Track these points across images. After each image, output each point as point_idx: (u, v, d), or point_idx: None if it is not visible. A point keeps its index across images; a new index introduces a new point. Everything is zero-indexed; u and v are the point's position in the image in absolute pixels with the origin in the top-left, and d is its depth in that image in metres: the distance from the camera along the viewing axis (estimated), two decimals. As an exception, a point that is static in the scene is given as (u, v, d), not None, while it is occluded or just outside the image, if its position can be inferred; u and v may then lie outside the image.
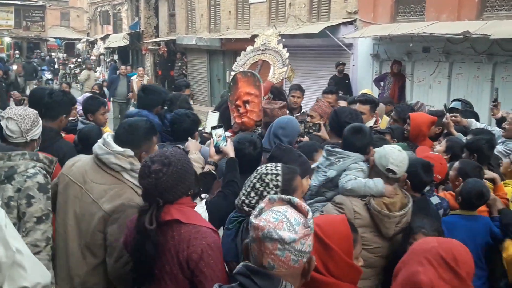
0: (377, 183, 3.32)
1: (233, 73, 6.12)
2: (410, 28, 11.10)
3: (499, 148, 4.89)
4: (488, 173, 4.12)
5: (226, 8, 20.59)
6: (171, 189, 2.52)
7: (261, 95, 5.41)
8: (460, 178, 3.93)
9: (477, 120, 5.58)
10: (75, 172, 3.08)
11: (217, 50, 21.13)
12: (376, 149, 3.48)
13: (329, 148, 3.68)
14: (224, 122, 4.86)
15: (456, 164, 4.07)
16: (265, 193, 2.73)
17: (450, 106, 6.40)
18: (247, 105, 5.32)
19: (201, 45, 21.91)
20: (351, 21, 13.89)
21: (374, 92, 12.75)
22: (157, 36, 27.56)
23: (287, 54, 6.33)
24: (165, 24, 26.85)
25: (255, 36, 7.07)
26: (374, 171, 3.41)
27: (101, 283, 3.03)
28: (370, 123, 5.33)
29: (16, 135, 3.35)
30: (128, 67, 17.66)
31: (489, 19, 10.19)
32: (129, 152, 3.04)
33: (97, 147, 3.06)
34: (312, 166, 3.65)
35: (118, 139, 3.07)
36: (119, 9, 34.41)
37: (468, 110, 6.00)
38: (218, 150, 3.67)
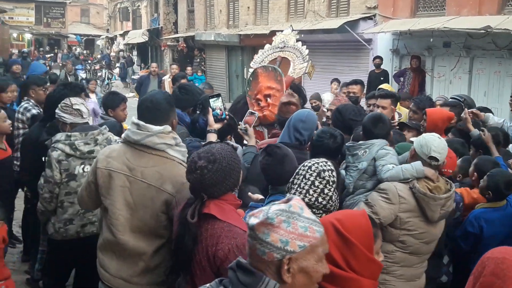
0: (415, 165, 3.34)
1: (251, 70, 6.14)
2: (431, 23, 11.01)
3: None
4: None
5: (245, 3, 20.61)
6: (215, 185, 2.55)
7: (283, 89, 5.42)
8: (475, 174, 3.95)
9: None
10: (115, 163, 3.04)
11: (236, 46, 21.17)
12: (414, 139, 3.53)
13: (351, 144, 3.73)
14: (243, 117, 4.88)
15: (474, 160, 4.09)
16: (326, 191, 2.72)
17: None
18: (268, 99, 5.33)
19: (220, 41, 21.96)
20: (371, 16, 13.82)
21: (394, 87, 12.72)
22: (176, 32, 27.66)
23: (307, 51, 6.33)
24: (184, 20, 26.95)
25: (273, 32, 7.09)
26: (415, 159, 3.41)
27: (164, 262, 3.00)
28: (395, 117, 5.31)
29: (86, 115, 4.19)
30: (154, 64, 15.47)
31: (510, 14, 10.06)
32: (168, 128, 3.04)
33: (132, 133, 3.02)
34: (340, 169, 3.67)
35: (147, 119, 3.04)
36: (138, 6, 34.59)
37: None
38: (217, 119, 3.91)
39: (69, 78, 15.67)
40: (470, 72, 11.36)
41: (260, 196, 3.41)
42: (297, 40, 6.53)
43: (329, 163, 2.81)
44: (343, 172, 3.76)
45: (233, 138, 4.51)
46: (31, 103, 5.99)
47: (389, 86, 7.64)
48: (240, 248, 2.47)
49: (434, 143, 3.35)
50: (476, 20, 10.29)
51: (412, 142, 3.73)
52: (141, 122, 3.02)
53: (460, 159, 4.28)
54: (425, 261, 3.47)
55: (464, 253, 3.92)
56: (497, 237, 3.74)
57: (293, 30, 7.06)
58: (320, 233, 1.82)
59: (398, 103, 5.80)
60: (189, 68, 16.50)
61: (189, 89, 5.20)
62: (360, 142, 3.66)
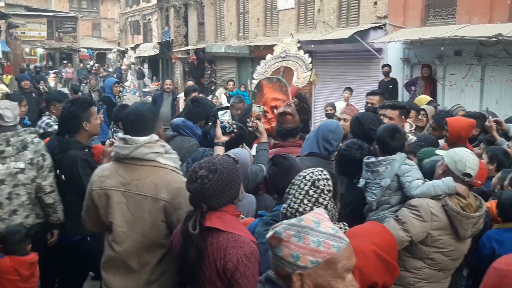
0: (447, 181, 3.28)
1: (254, 82, 6.14)
2: (441, 32, 10.98)
3: None
4: None
5: (255, 15, 20.70)
6: (216, 195, 2.55)
7: (288, 99, 5.43)
8: (498, 186, 3.85)
9: None
10: (109, 181, 3.06)
11: (246, 58, 21.24)
12: (446, 154, 3.42)
13: (370, 161, 3.62)
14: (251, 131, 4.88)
15: (499, 173, 4.00)
16: (320, 200, 2.69)
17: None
18: (275, 110, 5.33)
19: (230, 53, 22.05)
20: (381, 25, 13.81)
21: (405, 97, 12.68)
22: (187, 45, 27.82)
23: (309, 59, 6.33)
24: (195, 33, 27.10)
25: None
26: (446, 176, 3.34)
27: (168, 271, 3.01)
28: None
29: (11, 120, 4.36)
30: (169, 81, 13.08)
31: (522, 21, 10.03)
32: (155, 136, 3.07)
33: (120, 149, 3.04)
34: (360, 184, 3.67)
35: (133, 132, 3.07)
36: (149, 19, 34.86)
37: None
38: (225, 132, 3.92)
39: (93, 95, 15.08)
40: (482, 80, 11.29)
41: (250, 220, 3.36)
42: (299, 49, 6.52)
43: (325, 172, 2.77)
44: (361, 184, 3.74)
45: (245, 145, 4.51)
46: (52, 119, 6.10)
47: (426, 97, 7.45)
48: (248, 257, 2.48)
49: (469, 159, 3.29)
50: (487, 28, 10.25)
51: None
52: (127, 136, 3.06)
53: (501, 172, 4.14)
54: (450, 276, 3.44)
55: (481, 274, 3.81)
56: None
57: (293, 37, 7.06)
58: (338, 248, 1.74)
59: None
60: (230, 83, 16.27)
61: (201, 102, 5.23)
62: (380, 158, 3.58)
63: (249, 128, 4.60)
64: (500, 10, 10.56)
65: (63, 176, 4.29)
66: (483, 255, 3.68)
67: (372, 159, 3.61)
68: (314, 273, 1.72)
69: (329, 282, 1.73)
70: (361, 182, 3.68)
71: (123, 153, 3.04)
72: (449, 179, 3.28)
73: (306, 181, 2.72)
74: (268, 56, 6.66)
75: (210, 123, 4.99)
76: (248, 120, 4.67)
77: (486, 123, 5.10)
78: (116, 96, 10.56)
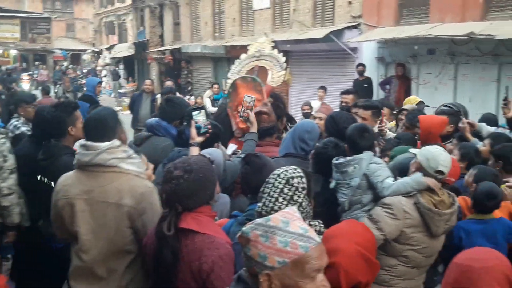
0: (415, 178, 3.30)
1: (229, 81, 6.13)
2: (415, 31, 11.12)
3: None
4: None
5: (231, 15, 20.69)
6: (191, 196, 2.52)
7: (263, 99, 5.41)
8: (474, 184, 3.91)
9: None
10: (72, 190, 3.01)
11: (222, 57, 21.20)
12: (419, 152, 3.43)
13: (339, 162, 3.62)
14: (226, 130, 4.87)
15: (472, 170, 4.04)
16: (295, 197, 2.68)
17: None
18: (257, 106, 5.32)
19: (206, 53, 21.99)
20: (356, 25, 13.91)
21: (380, 95, 12.80)
22: (162, 45, 27.67)
23: (284, 58, 6.35)
24: (170, 33, 26.98)
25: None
26: (419, 172, 3.35)
27: (137, 277, 2.98)
28: (374, 129, 5.29)
29: None
30: (148, 81, 12.32)
31: (493, 20, 10.19)
32: (117, 142, 3.02)
33: (81, 155, 2.99)
34: (331, 185, 3.66)
35: (94, 138, 3.02)
36: (124, 19, 34.59)
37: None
38: (200, 132, 3.91)
39: (68, 96, 14.80)
40: (455, 78, 11.45)
41: (224, 221, 3.35)
42: (273, 48, 6.53)
43: (298, 169, 2.77)
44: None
45: (220, 144, 4.50)
46: (20, 121, 5.96)
47: (416, 98, 7.47)
48: (223, 259, 2.46)
49: (441, 157, 3.31)
50: (459, 26, 10.40)
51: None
52: (88, 142, 3.01)
53: (472, 168, 4.16)
54: (424, 272, 3.45)
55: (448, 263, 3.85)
56: None
57: (267, 36, 7.06)
58: (306, 248, 1.72)
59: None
60: (216, 86, 15.89)
61: (175, 102, 5.18)
62: (348, 158, 3.58)
63: (240, 118, 4.62)
64: (472, 9, 10.72)
65: (52, 182, 4.18)
66: (452, 244, 3.73)
67: (341, 160, 3.60)
68: (282, 273, 1.71)
69: (297, 283, 1.72)
70: (332, 183, 3.68)
71: (84, 160, 2.98)
72: (417, 175, 3.31)
73: (280, 179, 2.71)
74: (243, 56, 6.64)
75: (185, 123, 4.97)
76: (239, 110, 4.69)
77: (460, 124, 5.15)
78: (98, 96, 10.34)
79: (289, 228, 1.74)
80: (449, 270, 2.09)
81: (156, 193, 2.98)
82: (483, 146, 4.71)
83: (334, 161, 3.65)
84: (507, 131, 5.24)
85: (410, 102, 6.97)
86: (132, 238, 2.94)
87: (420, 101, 7.19)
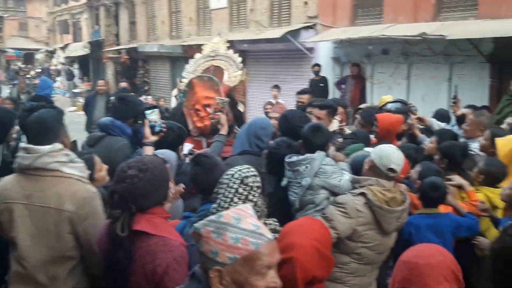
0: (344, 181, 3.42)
1: (184, 80, 6.09)
2: (369, 31, 11.30)
3: None
4: (456, 180, 4.15)
5: (187, 14, 20.56)
6: (146, 195, 2.48)
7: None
8: (419, 181, 3.99)
9: None
10: (10, 194, 2.91)
11: (180, 57, 21.03)
12: (373, 150, 3.48)
13: (291, 160, 3.63)
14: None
15: (417, 167, 4.12)
16: (250, 197, 2.70)
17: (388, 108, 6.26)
18: (208, 108, 5.31)
19: (163, 52, 21.79)
20: (312, 25, 14.03)
21: (336, 95, 12.95)
22: (118, 44, 27.27)
23: (240, 59, 6.36)
24: (126, 32, 26.61)
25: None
26: (372, 171, 3.40)
27: (79, 284, 2.91)
28: (330, 128, 5.35)
29: None
30: (102, 82, 12.04)
31: (445, 20, 10.46)
32: (58, 145, 2.93)
33: (21, 159, 2.90)
34: (282, 183, 3.67)
35: (35, 140, 2.93)
36: (79, 18, 33.94)
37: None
38: (154, 132, 3.87)
39: (22, 97, 14.22)
40: (408, 78, 11.71)
41: (176, 222, 3.31)
42: (229, 48, 6.53)
43: (252, 169, 2.79)
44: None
45: (184, 146, 4.49)
46: None
47: (390, 97, 7.52)
48: (178, 261, 2.43)
49: (394, 155, 3.36)
50: (412, 27, 10.62)
51: None
52: (29, 145, 2.91)
53: (417, 165, 4.25)
54: (377, 269, 3.50)
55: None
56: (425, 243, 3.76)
57: (221, 36, 7.05)
58: (257, 245, 1.74)
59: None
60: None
61: (128, 100, 5.08)
62: (300, 157, 3.60)
63: (211, 121, 4.65)
64: (424, 10, 10.97)
65: None
66: (402, 240, 3.81)
67: (294, 159, 3.62)
68: (233, 269, 1.72)
69: (247, 279, 1.73)
70: (284, 181, 3.69)
71: (24, 163, 2.88)
72: (346, 180, 3.43)
73: (235, 179, 2.72)
74: (197, 55, 6.60)
75: (140, 122, 4.90)
76: (210, 111, 4.72)
77: (408, 120, 5.26)
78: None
79: (240, 225, 1.76)
80: (397, 268, 2.11)
81: (99, 198, 2.92)
82: (430, 143, 4.82)
83: (286, 159, 3.66)
84: (455, 129, 5.39)
85: (384, 101, 7.06)
86: (74, 244, 2.87)
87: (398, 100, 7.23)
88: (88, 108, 11.16)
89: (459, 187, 4.14)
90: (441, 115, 6.12)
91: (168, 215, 2.70)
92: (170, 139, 4.19)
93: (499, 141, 4.42)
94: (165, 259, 2.41)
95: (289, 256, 2.45)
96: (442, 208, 3.88)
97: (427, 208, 3.82)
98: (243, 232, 1.74)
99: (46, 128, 2.98)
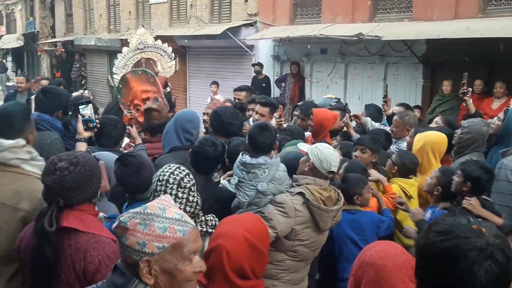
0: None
1: (115, 76, 6.00)
2: (308, 30, 11.42)
3: (391, 148, 5.16)
4: (374, 175, 4.32)
5: (126, 8, 20.19)
6: (75, 189, 2.40)
7: (159, 90, 5.36)
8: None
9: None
10: None
11: (118, 51, 20.56)
12: (311, 152, 3.46)
13: (249, 161, 3.56)
14: (120, 124, 4.77)
15: (345, 164, 4.20)
16: (190, 198, 2.70)
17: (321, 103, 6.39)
18: (147, 102, 5.25)
19: (101, 46, 21.31)
20: (252, 23, 14.07)
21: (275, 93, 13.06)
22: (54, 37, 26.49)
23: (170, 48, 6.31)
24: (62, 24, 25.87)
25: (157, 37, 6.97)
26: (311, 172, 3.42)
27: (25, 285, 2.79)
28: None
29: None
30: (21, 78, 10.98)
31: (381, 22, 10.70)
32: (22, 141, 2.87)
33: None
34: (232, 181, 3.61)
35: None
36: (13, 9, 32.71)
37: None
38: (88, 127, 3.77)
39: None
40: (346, 77, 11.95)
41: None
42: (156, 39, 6.49)
43: (182, 167, 2.76)
44: (224, 182, 3.74)
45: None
46: None
47: (332, 95, 7.57)
48: (110, 258, 2.38)
49: (333, 157, 3.41)
50: (349, 27, 10.82)
51: None
52: None
53: (344, 162, 4.35)
54: (309, 265, 3.56)
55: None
56: (344, 238, 3.84)
57: (144, 28, 6.98)
58: (184, 232, 1.80)
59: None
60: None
61: (54, 92, 4.90)
62: (260, 161, 3.52)
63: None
64: (361, 11, 11.20)
65: None
66: None
67: (253, 161, 3.54)
68: (161, 258, 1.77)
69: (175, 266, 1.79)
70: (234, 179, 3.61)
71: None
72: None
73: (171, 184, 2.70)
74: (125, 49, 6.51)
75: (70, 113, 4.77)
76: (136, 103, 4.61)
77: (344, 119, 5.38)
78: None
79: (166, 214, 1.80)
80: (359, 268, 2.11)
81: None
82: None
83: (242, 158, 3.60)
84: (387, 128, 5.54)
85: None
86: None
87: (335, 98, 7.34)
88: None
89: (377, 182, 4.32)
90: (376, 110, 6.30)
91: (97, 212, 2.65)
92: (113, 133, 4.13)
93: (416, 136, 4.63)
94: (97, 256, 2.36)
95: (217, 243, 2.46)
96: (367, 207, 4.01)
97: (350, 205, 3.90)
98: (169, 221, 1.79)
99: (10, 122, 2.91)
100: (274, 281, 3.34)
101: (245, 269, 2.45)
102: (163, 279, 1.79)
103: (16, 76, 28.50)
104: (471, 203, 3.53)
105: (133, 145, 4.72)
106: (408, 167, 4.42)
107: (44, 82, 11.42)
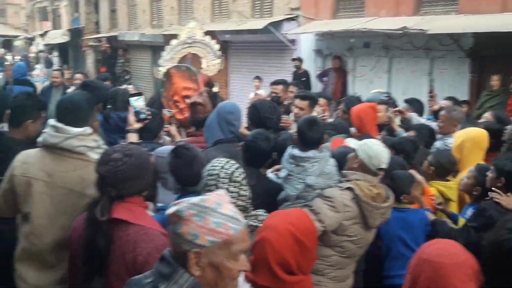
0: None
1: (161, 69, 6.03)
2: (351, 24, 11.29)
3: (437, 144, 5.02)
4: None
5: (169, 3, 20.37)
6: (128, 181, 2.44)
7: (200, 88, 5.38)
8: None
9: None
10: (32, 169, 2.90)
11: (161, 46, 20.79)
12: (360, 148, 3.45)
13: (298, 154, 3.57)
14: (161, 119, 4.83)
15: None
16: (242, 192, 2.73)
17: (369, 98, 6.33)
18: (187, 100, 5.28)
19: (144, 41, 21.57)
20: (294, 17, 13.99)
21: (318, 87, 12.97)
22: (98, 32, 26.95)
23: (217, 46, 6.30)
24: (106, 20, 26.31)
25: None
26: (360, 168, 3.41)
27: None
28: None
29: None
30: (56, 73, 10.45)
31: (426, 15, 10.50)
32: (89, 129, 2.94)
33: (49, 136, 2.90)
34: (281, 174, 3.64)
35: (65, 121, 2.92)
36: (58, 5, 33.44)
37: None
38: (139, 119, 3.78)
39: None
40: (389, 71, 11.76)
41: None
42: (205, 34, 6.49)
43: (232, 161, 2.78)
44: (271, 176, 3.74)
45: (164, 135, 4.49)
46: None
47: (381, 90, 7.48)
48: (159, 250, 2.36)
49: (383, 154, 3.40)
50: (393, 21, 10.65)
51: None
52: (59, 124, 2.91)
53: None
54: (355, 262, 3.52)
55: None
56: (393, 237, 3.81)
57: (194, 22, 6.96)
58: (236, 230, 1.82)
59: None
60: None
61: (94, 86, 5.01)
62: (309, 155, 3.53)
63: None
64: (405, 4, 11.00)
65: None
66: None
67: (302, 154, 3.54)
68: (211, 252, 1.79)
69: (222, 262, 1.81)
70: (283, 172, 3.65)
71: (52, 141, 2.89)
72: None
73: (222, 179, 2.71)
74: (174, 42, 6.54)
75: (109, 107, 4.85)
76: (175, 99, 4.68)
77: (388, 113, 5.30)
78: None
79: (221, 210, 1.83)
80: (417, 266, 2.07)
81: None
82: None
83: (291, 151, 3.61)
84: (434, 124, 5.42)
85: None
86: None
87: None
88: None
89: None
90: (413, 103, 6.17)
91: (146, 205, 2.69)
92: (153, 126, 4.19)
93: (456, 133, 4.50)
94: (146, 248, 2.38)
95: (262, 235, 2.46)
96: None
97: (398, 203, 3.83)
98: (224, 217, 1.82)
99: (77, 110, 2.98)
100: (320, 277, 3.32)
101: (290, 263, 2.43)
102: (209, 273, 1.82)
103: (61, 71, 29.21)
104: (501, 197, 3.45)
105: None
106: (445, 166, 4.30)
107: (79, 76, 11.57)
